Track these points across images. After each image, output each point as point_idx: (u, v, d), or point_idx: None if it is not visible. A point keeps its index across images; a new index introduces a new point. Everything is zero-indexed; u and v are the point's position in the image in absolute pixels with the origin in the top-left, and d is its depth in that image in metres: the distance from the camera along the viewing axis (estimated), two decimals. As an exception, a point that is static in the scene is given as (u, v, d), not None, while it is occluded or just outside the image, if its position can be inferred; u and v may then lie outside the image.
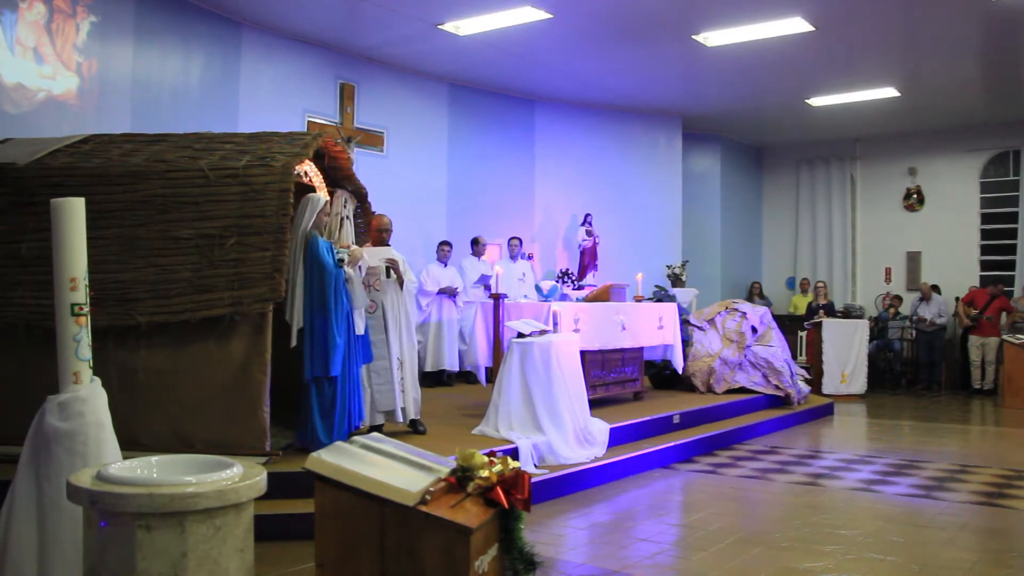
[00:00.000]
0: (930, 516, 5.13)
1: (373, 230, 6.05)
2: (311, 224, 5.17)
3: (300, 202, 5.21)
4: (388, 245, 6.00)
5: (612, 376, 7.91)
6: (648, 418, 7.13)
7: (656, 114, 12.62)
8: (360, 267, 5.49)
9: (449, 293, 9.29)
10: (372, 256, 5.77)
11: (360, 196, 6.38)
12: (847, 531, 4.72)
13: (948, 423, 9.35)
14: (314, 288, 5.07)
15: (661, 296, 10.32)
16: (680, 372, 8.98)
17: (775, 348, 9.13)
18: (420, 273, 8.99)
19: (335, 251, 5.26)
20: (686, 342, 9.12)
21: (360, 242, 6.42)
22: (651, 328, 8.41)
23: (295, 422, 5.27)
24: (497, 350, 7.09)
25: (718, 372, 8.96)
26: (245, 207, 4.87)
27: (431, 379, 9.06)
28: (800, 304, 13.41)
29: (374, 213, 6.54)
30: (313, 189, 5.80)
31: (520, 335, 6.29)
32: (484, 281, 9.51)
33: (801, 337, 11.86)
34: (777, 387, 8.94)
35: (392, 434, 4.06)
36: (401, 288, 5.86)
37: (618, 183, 12.40)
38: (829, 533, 4.67)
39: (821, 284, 13.12)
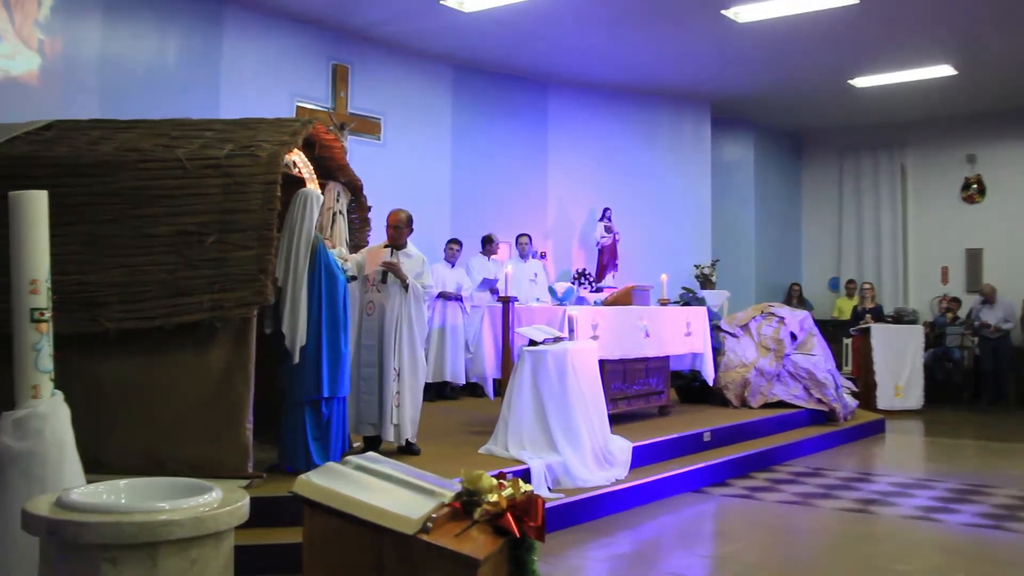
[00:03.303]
0: (1000, 549, 5.08)
1: (387, 225, 6.07)
2: (315, 226, 5.18)
3: (292, 198, 5.20)
4: (404, 242, 6.00)
5: (635, 389, 7.90)
6: (675, 435, 7.13)
7: (682, 98, 12.61)
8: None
9: (451, 298, 9.25)
10: (368, 264, 5.90)
11: (354, 189, 6.38)
12: (904, 566, 4.68)
13: (1018, 443, 9.28)
14: (323, 302, 5.12)
15: (689, 299, 10.32)
16: (711, 384, 8.96)
17: (817, 357, 9.10)
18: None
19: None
20: (717, 350, 9.11)
21: (355, 239, 6.41)
22: (678, 335, 8.39)
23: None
24: (506, 360, 7.10)
25: (753, 384, 8.92)
26: (227, 201, 4.88)
27: (433, 392, 9.04)
28: (845, 308, 13.37)
29: (369, 208, 6.54)
30: (302, 181, 5.78)
31: (532, 343, 6.29)
32: (488, 285, 9.46)
33: (846, 345, 11.82)
34: (820, 401, 8.89)
35: (385, 454, 4.04)
36: (406, 291, 5.82)
37: (640, 174, 12.39)
38: (884, 568, 4.63)
39: (868, 286, 13.04)
